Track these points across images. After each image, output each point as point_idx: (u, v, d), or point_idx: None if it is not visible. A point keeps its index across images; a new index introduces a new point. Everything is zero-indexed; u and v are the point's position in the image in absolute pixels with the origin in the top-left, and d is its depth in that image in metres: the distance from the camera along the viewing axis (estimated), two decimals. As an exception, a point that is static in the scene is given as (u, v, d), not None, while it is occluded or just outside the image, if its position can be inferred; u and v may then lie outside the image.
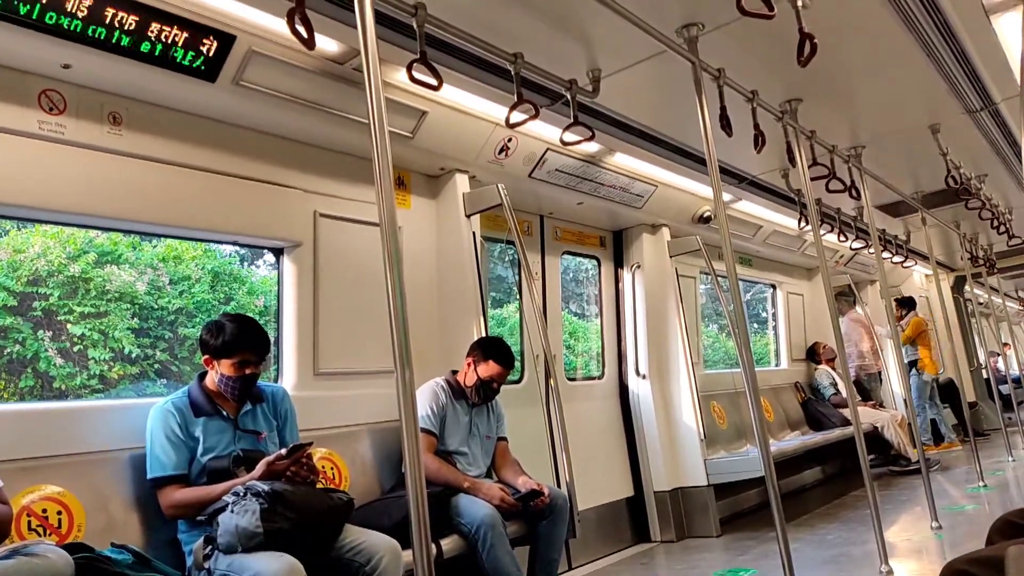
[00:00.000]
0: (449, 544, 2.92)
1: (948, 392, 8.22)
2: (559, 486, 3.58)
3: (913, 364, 7.83)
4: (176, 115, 2.94)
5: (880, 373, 7.91)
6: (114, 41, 2.44)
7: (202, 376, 2.69)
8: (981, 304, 11.13)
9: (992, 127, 4.72)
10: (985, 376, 9.67)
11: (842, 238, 6.13)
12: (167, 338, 4.69)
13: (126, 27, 2.43)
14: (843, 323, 7.65)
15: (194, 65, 2.65)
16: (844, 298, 7.72)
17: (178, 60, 2.60)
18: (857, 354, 7.76)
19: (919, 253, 7.99)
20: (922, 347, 7.85)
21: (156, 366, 4.63)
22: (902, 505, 5.43)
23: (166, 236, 3.91)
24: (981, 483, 5.61)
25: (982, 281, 9.38)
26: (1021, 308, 17.13)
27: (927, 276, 9.49)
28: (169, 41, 2.54)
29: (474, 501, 3.02)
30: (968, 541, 3.99)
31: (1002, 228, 6.60)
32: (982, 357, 10.17)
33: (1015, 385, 9.69)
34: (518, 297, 4.99)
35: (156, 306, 4.63)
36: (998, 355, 11.45)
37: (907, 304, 8.09)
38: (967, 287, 9.47)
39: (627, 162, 4.53)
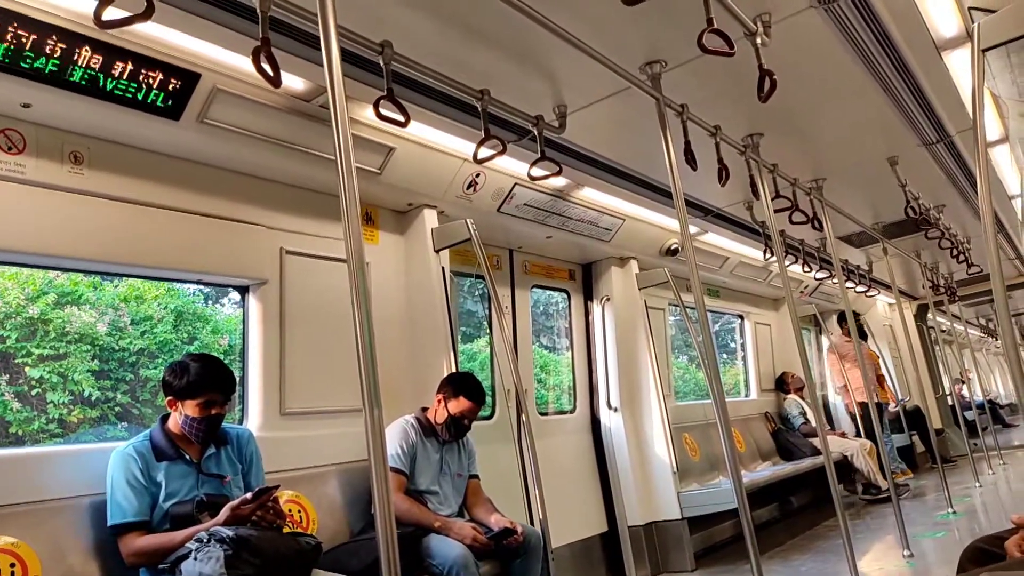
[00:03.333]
0: (421, 586, 2.85)
1: (915, 420, 8.32)
2: (532, 523, 3.53)
3: None
4: (139, 153, 2.90)
5: (884, 405, 7.71)
6: (76, 80, 2.41)
7: (164, 419, 2.62)
8: (944, 332, 11.34)
9: (948, 159, 4.85)
10: (951, 403, 9.81)
11: (806, 269, 6.23)
12: (128, 380, 4.58)
13: (88, 65, 2.40)
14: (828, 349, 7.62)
15: (158, 103, 2.63)
16: (843, 324, 7.69)
17: (141, 99, 2.58)
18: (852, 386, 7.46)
19: (882, 282, 8.14)
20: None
21: (117, 409, 4.51)
22: (873, 534, 5.45)
23: (128, 276, 3.84)
24: (950, 510, 5.66)
25: (944, 309, 9.58)
26: (982, 335, 17.52)
27: (890, 305, 9.67)
28: (132, 80, 2.52)
29: (445, 541, 2.96)
30: (939, 569, 4.01)
31: (961, 257, 6.76)
32: (947, 384, 10.33)
33: (980, 411, 9.85)
34: (488, 331, 4.97)
35: (117, 347, 4.52)
36: (962, 382, 11.64)
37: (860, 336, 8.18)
38: (930, 315, 9.65)
39: (595, 196, 4.58)
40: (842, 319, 7.80)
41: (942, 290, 8.59)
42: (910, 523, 4.83)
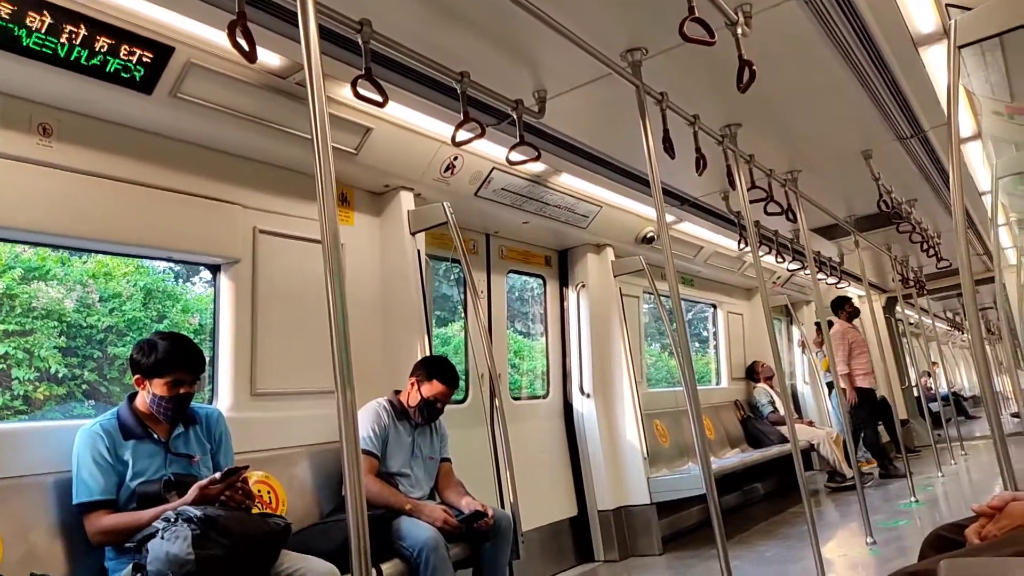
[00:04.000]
0: (390, 568, 2.86)
1: (882, 410, 8.47)
2: (503, 507, 3.55)
3: (831, 385, 8.02)
4: (110, 127, 2.84)
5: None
6: (45, 50, 2.35)
7: (132, 397, 2.59)
8: (912, 324, 11.54)
9: (921, 154, 4.92)
10: (916, 395, 10.01)
11: (779, 259, 6.29)
12: (96, 357, 4.50)
13: (59, 36, 2.34)
14: (832, 336, 7.56)
15: (130, 76, 2.57)
16: (841, 310, 7.63)
17: (113, 71, 2.52)
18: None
19: (852, 275, 8.26)
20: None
21: (84, 387, 4.43)
22: (838, 521, 5.56)
23: (97, 251, 3.77)
24: (913, 498, 5.78)
25: (912, 302, 9.74)
26: (949, 328, 17.86)
27: (860, 297, 9.81)
28: (104, 51, 2.46)
29: (416, 523, 2.97)
30: (902, 556, 4.10)
31: (931, 251, 6.87)
32: (913, 376, 10.52)
33: (944, 403, 10.05)
34: (463, 316, 4.96)
35: (85, 324, 4.44)
36: (928, 374, 11.86)
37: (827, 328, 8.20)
38: (898, 308, 9.81)
39: (572, 182, 4.57)
40: (839, 305, 7.66)
41: (911, 283, 8.73)
42: (874, 511, 4.92)
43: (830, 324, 7.36)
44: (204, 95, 2.80)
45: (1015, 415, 9.35)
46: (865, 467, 7.22)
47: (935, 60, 3.48)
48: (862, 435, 7.30)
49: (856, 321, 7.68)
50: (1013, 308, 6.58)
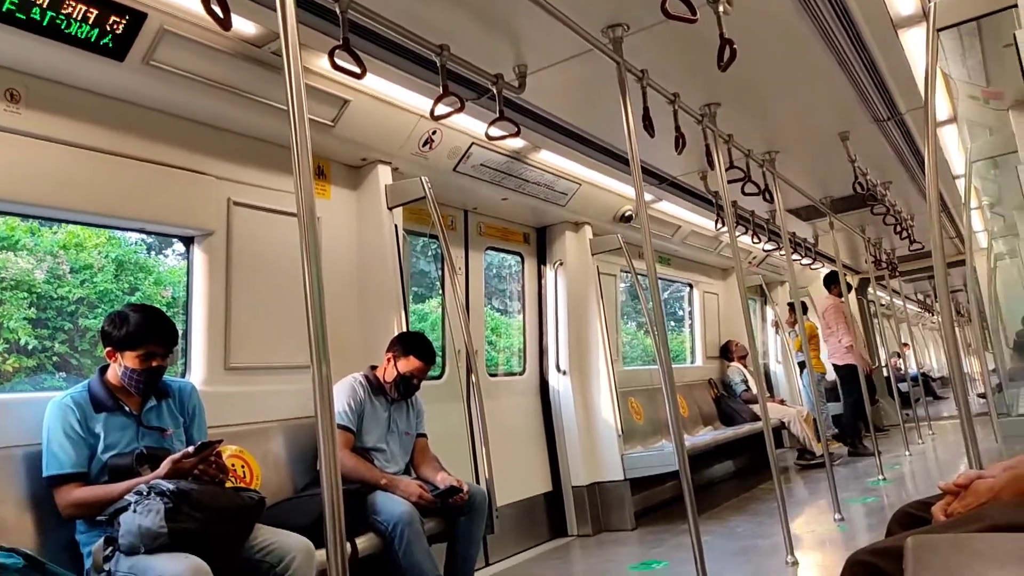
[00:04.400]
0: (365, 542, 2.87)
1: (850, 388, 8.59)
2: (478, 482, 3.56)
3: (802, 365, 8.13)
4: (81, 94, 2.77)
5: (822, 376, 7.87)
6: (14, 13, 2.28)
7: (103, 370, 2.55)
8: (883, 306, 11.69)
9: (898, 136, 4.96)
10: (886, 374, 10.17)
11: (755, 240, 6.34)
12: (67, 329, 4.44)
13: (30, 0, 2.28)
14: (827, 312, 7.52)
15: (101, 42, 2.51)
16: (834, 285, 7.67)
17: (84, 37, 2.45)
18: (845, 349, 7.46)
19: (826, 256, 8.34)
20: (812, 349, 8.08)
21: (54, 359, 4.38)
22: (807, 498, 5.66)
23: (68, 222, 3.69)
24: (881, 476, 5.90)
25: (884, 284, 9.88)
26: (920, 310, 18.14)
27: (834, 278, 9.91)
28: (74, 15, 2.40)
29: (391, 498, 2.98)
30: (869, 532, 4.19)
31: (904, 233, 6.96)
32: (883, 356, 10.69)
33: (913, 383, 10.23)
34: (440, 292, 4.95)
35: (55, 295, 4.38)
36: (898, 355, 12.05)
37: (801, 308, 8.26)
38: (870, 289, 9.94)
39: (552, 159, 4.56)
40: (832, 280, 7.72)
41: (884, 265, 8.84)
42: (842, 488, 5.02)
43: (804, 305, 7.45)
44: (177, 63, 2.74)
45: (982, 396, 9.53)
46: (833, 446, 7.35)
47: (914, 43, 3.50)
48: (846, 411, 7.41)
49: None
50: (983, 291, 6.70)
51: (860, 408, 7.19)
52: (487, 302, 5.40)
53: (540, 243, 5.55)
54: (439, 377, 4.51)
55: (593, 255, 5.51)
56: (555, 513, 5.13)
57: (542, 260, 5.54)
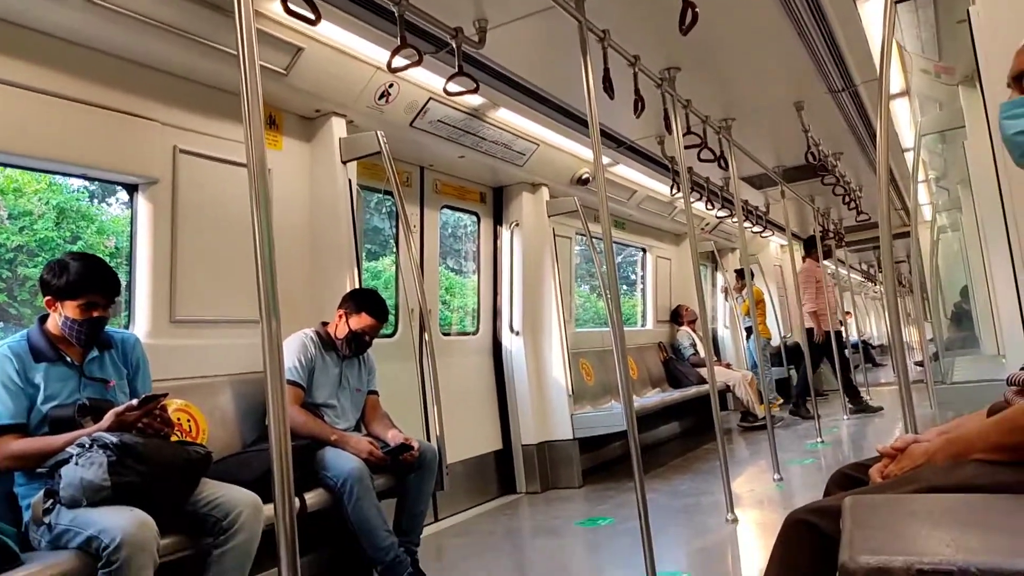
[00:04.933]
0: (314, 498, 2.87)
1: (794, 354, 8.85)
2: (429, 440, 3.58)
3: (748, 330, 8.32)
4: (21, 32, 2.62)
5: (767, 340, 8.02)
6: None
7: (43, 319, 2.47)
8: (829, 275, 11.98)
9: (851, 108, 5.04)
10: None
11: (709, 206, 6.41)
12: (5, 278, 4.28)
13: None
14: (800, 275, 7.53)
15: (38, -26, 2.38)
16: (813, 249, 7.78)
17: (18, -33, 2.33)
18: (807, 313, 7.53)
19: (777, 224, 8.50)
20: (758, 315, 8.25)
21: (-9, 308, 4.23)
22: (748, 459, 5.83)
23: (5, 165, 3.53)
24: (819, 439, 6.11)
25: (831, 253, 10.10)
26: (863, 279, 18.66)
27: (782, 246, 10.11)
28: (8, -56, 2.26)
29: (340, 454, 2.97)
30: (806, 492, 4.34)
31: (852, 204, 7.12)
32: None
33: (853, 350, 10.54)
34: (395, 250, 4.90)
35: (-8, 242, 4.21)
36: (841, 322, 12.38)
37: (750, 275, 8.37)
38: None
39: (510, 118, 4.51)
40: (812, 244, 7.87)
41: (831, 235, 9.04)
42: (782, 450, 5.18)
43: (751, 272, 7.56)
44: (123, 2, 2.60)
45: (919, 364, 9.89)
46: (775, 408, 7.57)
47: (871, 14, 3.54)
48: (798, 372, 7.56)
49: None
50: (925, 263, 6.90)
51: (814, 371, 7.37)
52: (442, 261, 5.37)
53: (496, 203, 5.52)
54: (392, 335, 4.48)
55: (549, 217, 5.51)
56: (504, 471, 5.20)
57: (498, 220, 5.52)
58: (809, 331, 7.48)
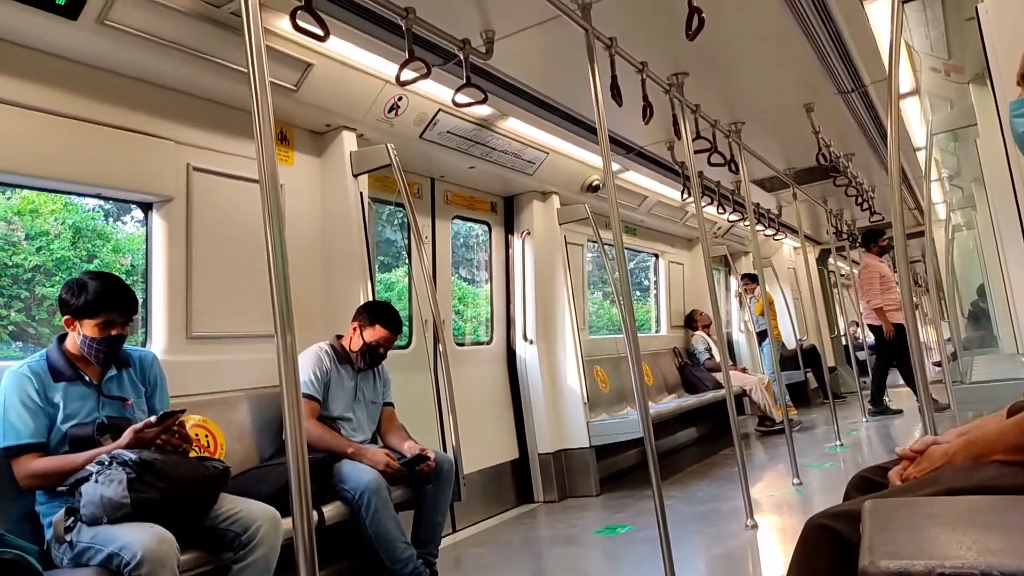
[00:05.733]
0: (331, 511, 2.87)
1: (810, 358, 8.78)
2: (445, 450, 3.58)
3: (762, 334, 8.25)
4: (34, 55, 2.67)
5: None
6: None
7: (62, 338, 2.49)
8: (843, 276, 11.91)
9: (861, 108, 5.01)
10: (844, 343, 10.39)
11: (720, 210, 6.39)
12: (23, 298, 4.33)
13: (-31, -50, 2.18)
14: (862, 272, 7.25)
15: (54, 1, 2.41)
16: (873, 244, 7.40)
17: (33, -8, 2.36)
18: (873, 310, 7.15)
19: (789, 227, 8.45)
20: (771, 318, 8.06)
21: (11, 328, 4.27)
22: (767, 463, 5.79)
23: (22, 187, 3.58)
24: (838, 442, 6.06)
25: (845, 254, 10.04)
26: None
27: (795, 248, 10.07)
28: (22, -30, 2.30)
29: (357, 467, 2.98)
30: (826, 496, 4.31)
31: (865, 205, 7.07)
32: (842, 326, 10.91)
33: (870, 352, 10.46)
34: (407, 261, 4.91)
35: (10, 263, 4.25)
36: (856, 324, 12.30)
37: (753, 279, 8.16)
38: (831, 260, 10.11)
39: (519, 127, 4.52)
40: (870, 239, 7.45)
41: (845, 236, 8.99)
42: (801, 454, 5.14)
43: (756, 279, 7.48)
44: (133, 22, 2.65)
45: (937, 364, 9.80)
46: (792, 412, 7.50)
47: (879, 14, 3.53)
48: (886, 370, 7.35)
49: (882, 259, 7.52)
50: (940, 261, 6.84)
51: (885, 369, 7.26)
52: (454, 271, 5.38)
53: (507, 212, 5.53)
54: (406, 347, 4.49)
55: (560, 224, 5.51)
56: (521, 480, 5.19)
57: (509, 229, 5.53)
58: (877, 328, 7.20)
